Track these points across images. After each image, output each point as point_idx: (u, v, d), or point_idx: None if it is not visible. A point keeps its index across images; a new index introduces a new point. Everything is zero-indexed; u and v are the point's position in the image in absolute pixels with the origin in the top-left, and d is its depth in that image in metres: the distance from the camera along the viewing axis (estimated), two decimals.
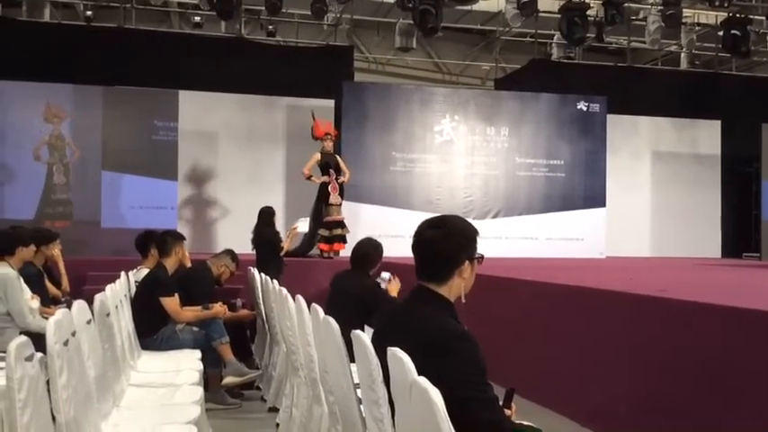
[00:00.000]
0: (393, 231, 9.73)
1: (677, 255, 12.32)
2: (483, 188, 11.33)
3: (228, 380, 5.14)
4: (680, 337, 3.67)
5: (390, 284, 4.76)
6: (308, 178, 9.19)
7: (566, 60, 14.08)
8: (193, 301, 5.31)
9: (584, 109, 11.67)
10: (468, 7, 12.54)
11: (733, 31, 11.86)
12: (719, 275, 7.30)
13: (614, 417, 4.04)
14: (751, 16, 11.97)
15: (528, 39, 14.34)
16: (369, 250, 4.69)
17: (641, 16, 12.51)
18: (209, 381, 5.05)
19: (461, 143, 11.32)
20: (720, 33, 12.28)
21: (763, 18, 12.06)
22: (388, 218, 10.55)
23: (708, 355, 3.43)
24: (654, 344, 3.83)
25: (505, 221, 11.31)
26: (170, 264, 5.29)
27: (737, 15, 11.82)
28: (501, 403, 2.30)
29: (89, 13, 11.86)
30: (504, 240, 11.00)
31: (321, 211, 9.17)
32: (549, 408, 4.54)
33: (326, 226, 9.12)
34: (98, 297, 3.66)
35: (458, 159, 11.31)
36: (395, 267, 5.30)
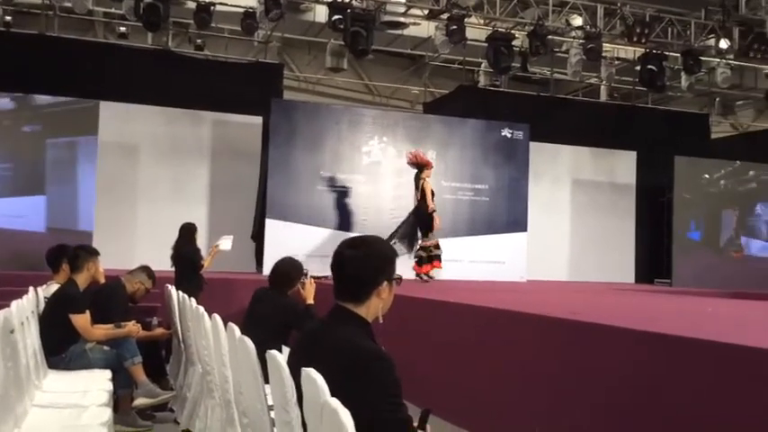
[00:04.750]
0: (319, 251, 9.69)
1: (594, 279, 12.73)
2: (409, 210, 11.39)
3: (140, 401, 4.98)
4: (589, 358, 3.76)
5: (306, 288, 4.72)
6: (433, 212, 9.10)
7: (492, 88, 14.45)
8: (106, 319, 5.13)
9: (509, 136, 11.95)
10: (399, 31, 12.75)
11: (649, 66, 12.43)
12: (631, 300, 7.55)
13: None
14: (666, 53, 12.57)
15: (456, 65, 14.65)
16: (289, 269, 4.66)
17: (564, 49, 12.96)
18: (120, 402, 4.89)
19: (389, 165, 11.38)
20: (638, 68, 12.87)
21: (678, 55, 12.68)
22: (314, 237, 10.48)
23: (618, 377, 3.52)
24: (565, 365, 3.91)
25: None
26: (81, 279, 5.10)
27: (654, 51, 12.40)
28: (416, 424, 2.30)
29: (8, 18, 11.42)
30: None
31: (420, 234, 9.13)
32: (466, 429, 4.57)
33: (424, 249, 9.06)
34: (1, 313, 3.48)
35: (385, 181, 11.37)
36: (318, 287, 5.26)
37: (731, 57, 12.84)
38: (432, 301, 5.88)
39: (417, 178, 9.28)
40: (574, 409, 3.77)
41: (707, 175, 13.22)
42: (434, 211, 9.10)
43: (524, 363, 4.31)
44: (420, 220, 9.21)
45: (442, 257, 9.26)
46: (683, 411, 3.07)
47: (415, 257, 9.14)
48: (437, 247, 9.20)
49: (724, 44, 12.30)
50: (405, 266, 9.03)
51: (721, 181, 13.31)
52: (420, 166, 9.29)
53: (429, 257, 9.08)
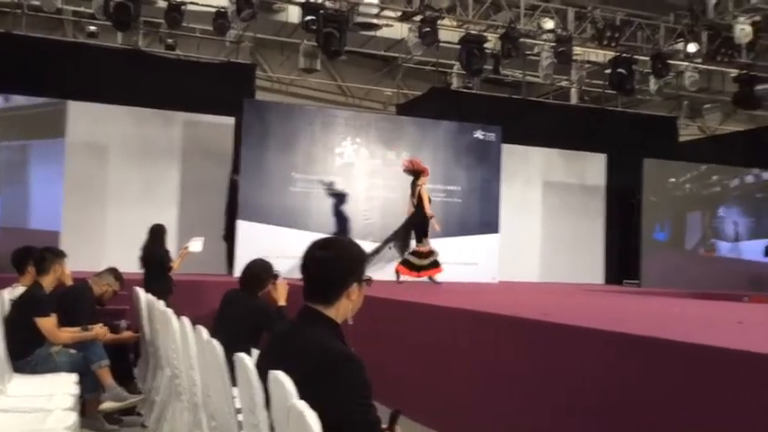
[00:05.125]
0: (291, 252, 9.60)
1: (564, 280, 12.84)
2: (382, 211, 11.40)
3: (107, 405, 4.90)
4: (561, 360, 3.78)
5: (278, 290, 4.69)
6: (432, 217, 9.41)
7: (464, 90, 14.52)
8: (72, 322, 5.05)
9: (481, 138, 12.00)
10: (372, 33, 12.74)
11: (619, 70, 12.58)
12: (601, 301, 7.62)
13: None
14: (636, 56, 12.73)
15: (429, 67, 14.69)
16: (260, 271, 4.63)
17: (535, 51, 13.06)
18: (87, 406, 4.82)
19: (362, 166, 11.37)
20: (608, 71, 13.01)
21: (648, 58, 12.85)
22: (287, 239, 10.42)
23: (590, 378, 3.55)
24: (537, 367, 3.94)
25: None
26: (47, 282, 5.01)
27: (624, 55, 12.55)
28: (386, 425, 2.29)
29: None
30: None
31: (411, 239, 9.49)
32: (438, 430, 4.58)
33: (419, 255, 9.40)
34: None
35: (358, 182, 11.35)
36: (291, 289, 5.23)
37: (699, 60, 13.03)
38: (404, 302, 5.88)
39: (414, 185, 9.56)
40: (547, 410, 3.79)
41: (673, 179, 13.44)
42: (433, 216, 9.40)
43: (497, 364, 4.32)
44: (415, 226, 9.47)
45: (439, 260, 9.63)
46: (653, 413, 3.10)
47: (403, 259, 9.45)
48: (429, 254, 9.47)
49: (692, 48, 12.48)
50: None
51: (687, 185, 13.56)
52: (416, 172, 9.58)
53: (419, 266, 9.39)
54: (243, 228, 10.28)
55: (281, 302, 4.72)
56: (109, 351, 5.11)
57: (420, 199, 9.36)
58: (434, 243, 11.35)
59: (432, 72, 14.67)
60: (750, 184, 13.64)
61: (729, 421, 2.74)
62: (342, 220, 11.08)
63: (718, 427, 2.79)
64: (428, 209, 9.34)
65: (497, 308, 5.00)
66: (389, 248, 9.92)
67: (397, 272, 9.37)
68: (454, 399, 4.64)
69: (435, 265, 9.53)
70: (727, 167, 13.68)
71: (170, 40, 12.57)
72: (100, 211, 10.71)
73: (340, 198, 11.12)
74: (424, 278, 9.49)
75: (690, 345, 3.07)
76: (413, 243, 9.56)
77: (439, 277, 9.56)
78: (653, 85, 13.62)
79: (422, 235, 9.45)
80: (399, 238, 9.68)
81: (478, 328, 4.64)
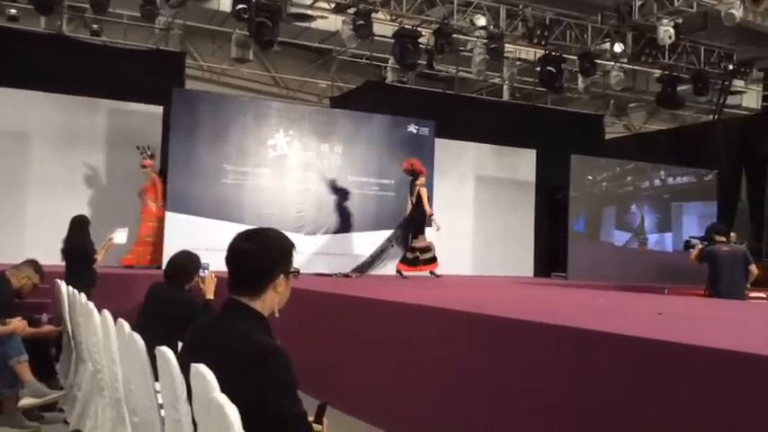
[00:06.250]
0: (222, 245, 9.44)
1: (496, 273, 13.07)
2: (315, 204, 11.35)
3: (26, 401, 4.74)
4: (491, 351, 3.85)
5: (207, 283, 4.62)
6: (431, 215, 9.82)
7: (399, 84, 14.56)
8: None
9: (415, 132, 12.07)
10: (307, 24, 12.63)
11: (549, 68, 12.86)
12: (533, 292, 7.79)
13: (430, 430, 4.15)
14: (565, 55, 13.03)
15: (364, 60, 14.67)
16: (186, 263, 4.53)
17: (468, 48, 13.20)
18: (5, 403, 4.67)
19: (295, 158, 11.28)
20: (538, 69, 13.27)
21: (576, 57, 13.16)
22: (218, 231, 10.21)
23: (520, 369, 3.61)
24: (467, 358, 3.99)
25: (337, 238, 11.38)
26: None
27: (553, 54, 12.83)
28: (313, 418, 2.29)
29: None
30: (335, 257, 11.05)
31: (412, 236, 9.96)
32: (368, 421, 4.59)
33: (415, 251, 9.84)
34: None
35: (291, 174, 11.25)
36: (222, 282, 5.14)
37: (624, 60, 13.44)
38: (336, 295, 5.87)
39: (412, 185, 10.01)
40: (472, 402, 3.84)
41: (590, 177, 13.89)
42: (431, 214, 9.86)
43: (425, 355, 4.36)
44: (413, 224, 9.95)
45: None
46: (599, 409, 3.14)
47: (402, 258, 9.96)
48: (425, 251, 9.92)
49: (618, 48, 12.85)
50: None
51: (603, 183, 14.05)
52: (415, 173, 10.06)
53: (415, 260, 9.87)
54: (172, 220, 10.06)
55: (209, 296, 4.65)
56: (29, 346, 4.94)
57: (419, 198, 9.81)
58: (368, 235, 11.49)
59: (366, 65, 14.65)
60: (657, 186, 14.32)
61: (677, 416, 2.76)
62: (345, 215, 11.35)
63: (666, 423, 2.81)
64: (427, 207, 9.80)
65: (433, 301, 5.04)
66: (392, 246, 10.49)
67: (399, 270, 9.83)
68: (388, 391, 4.66)
69: (434, 260, 9.97)
70: (640, 168, 14.25)
71: (95, 26, 12.15)
72: (20, 201, 10.30)
73: (343, 194, 11.38)
74: (426, 272, 9.94)
75: (635, 338, 3.08)
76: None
77: (438, 270, 10.04)
78: (581, 83, 13.96)
79: (418, 231, 9.90)
80: (401, 236, 10.27)
81: (416, 322, 4.67)
